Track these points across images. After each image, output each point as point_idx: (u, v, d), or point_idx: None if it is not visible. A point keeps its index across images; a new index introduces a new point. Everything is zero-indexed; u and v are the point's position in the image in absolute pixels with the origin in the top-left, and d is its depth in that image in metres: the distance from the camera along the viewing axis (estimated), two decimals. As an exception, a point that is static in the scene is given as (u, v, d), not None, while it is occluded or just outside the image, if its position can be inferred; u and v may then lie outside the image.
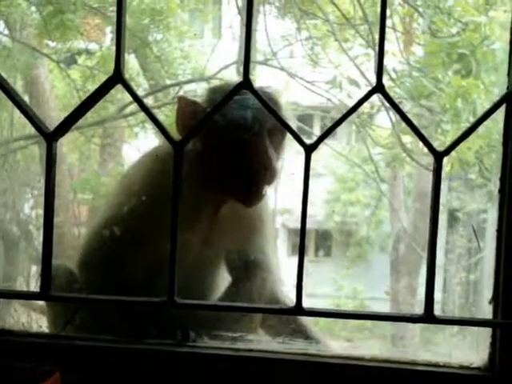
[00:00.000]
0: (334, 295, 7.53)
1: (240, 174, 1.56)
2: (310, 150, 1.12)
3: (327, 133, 1.14)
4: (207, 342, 1.31)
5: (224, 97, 1.13)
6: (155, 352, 1.26)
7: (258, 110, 1.51)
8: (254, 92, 1.14)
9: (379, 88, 1.11)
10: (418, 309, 5.63)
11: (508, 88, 1.15)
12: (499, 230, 1.19)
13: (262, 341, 1.42)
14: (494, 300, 1.19)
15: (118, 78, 1.13)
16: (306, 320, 1.62)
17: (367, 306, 7.09)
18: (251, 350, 1.26)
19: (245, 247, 1.65)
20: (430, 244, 1.09)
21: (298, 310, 1.11)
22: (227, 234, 1.65)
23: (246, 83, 1.12)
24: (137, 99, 1.14)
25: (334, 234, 8.23)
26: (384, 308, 6.25)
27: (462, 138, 1.10)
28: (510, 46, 1.16)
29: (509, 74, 1.15)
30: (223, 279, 1.69)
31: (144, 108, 1.14)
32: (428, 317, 1.10)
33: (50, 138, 1.14)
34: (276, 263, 1.70)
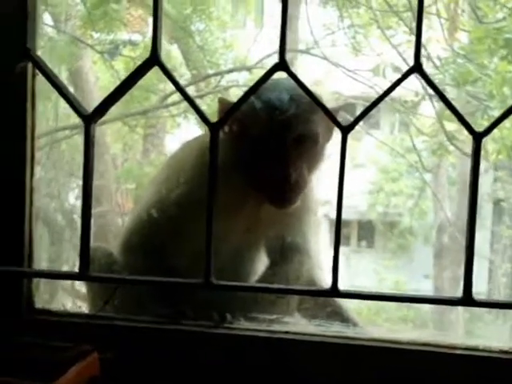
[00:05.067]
0: (376, 286, 7.48)
1: (267, 179, 1.54)
2: (346, 131, 1.11)
3: (364, 113, 1.12)
4: (244, 324, 1.31)
5: (260, 77, 1.13)
6: (192, 333, 1.27)
7: (295, 97, 1.50)
8: (291, 73, 1.13)
9: (417, 68, 1.09)
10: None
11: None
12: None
13: (298, 323, 1.42)
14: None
15: (154, 60, 1.13)
16: (344, 303, 1.62)
17: (410, 297, 6.99)
18: (287, 333, 1.26)
19: (286, 232, 1.65)
20: (469, 225, 1.07)
21: (334, 291, 1.11)
22: (271, 222, 1.65)
23: (281, 65, 1.12)
24: (173, 80, 1.14)
25: (376, 224, 8.16)
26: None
27: (502, 118, 1.08)
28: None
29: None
30: (263, 263, 1.69)
31: (180, 89, 1.15)
32: (466, 299, 1.08)
33: (88, 120, 1.16)
34: (316, 249, 1.69)
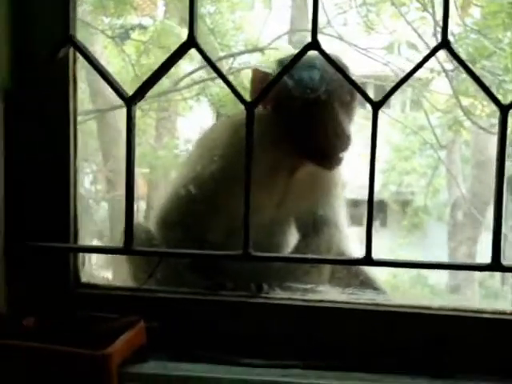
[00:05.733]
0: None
1: (315, 140, 1.61)
2: (377, 106, 1.16)
3: (394, 89, 1.18)
4: (279, 294, 1.37)
5: (293, 57, 1.18)
6: (231, 303, 1.32)
7: (326, 75, 1.56)
8: (322, 52, 1.18)
9: (445, 44, 1.13)
10: (478, 275, 5.60)
11: None
12: None
13: (331, 292, 1.48)
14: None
15: (191, 42, 1.19)
16: (372, 273, 1.67)
17: (424, 275, 7.04)
18: (321, 301, 1.32)
19: (315, 205, 1.71)
20: (497, 194, 1.12)
21: (368, 260, 1.16)
22: (301, 195, 1.72)
23: (314, 44, 1.17)
24: (209, 62, 1.20)
25: (389, 203, 8.17)
26: (443, 276, 6.22)
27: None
28: None
29: None
30: (292, 237, 1.75)
31: (218, 71, 1.20)
32: (495, 265, 1.13)
33: (130, 101, 1.21)
34: (343, 221, 1.75)
